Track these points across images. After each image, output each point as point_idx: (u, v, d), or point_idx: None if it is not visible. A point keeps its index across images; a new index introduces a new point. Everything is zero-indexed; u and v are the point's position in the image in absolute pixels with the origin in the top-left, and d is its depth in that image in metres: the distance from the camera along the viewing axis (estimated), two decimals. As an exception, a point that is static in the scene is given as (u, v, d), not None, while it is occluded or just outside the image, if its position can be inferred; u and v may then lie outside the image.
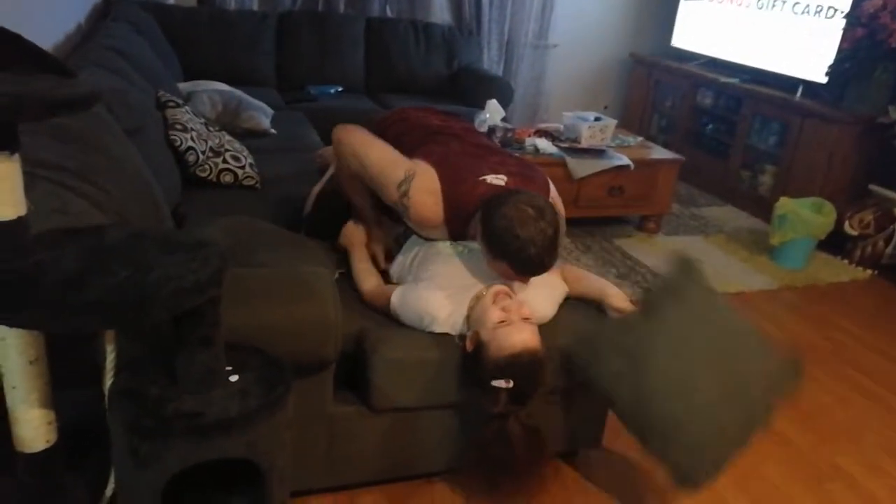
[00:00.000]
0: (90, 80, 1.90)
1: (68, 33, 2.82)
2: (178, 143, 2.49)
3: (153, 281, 1.07)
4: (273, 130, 3.35)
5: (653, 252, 3.72)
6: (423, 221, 1.89)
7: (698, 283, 1.85)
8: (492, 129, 3.61)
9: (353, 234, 2.07)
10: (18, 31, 1.15)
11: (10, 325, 1.07)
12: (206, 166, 2.56)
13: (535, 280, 1.84)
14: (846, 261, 3.85)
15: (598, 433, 2.11)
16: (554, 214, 1.73)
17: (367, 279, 1.96)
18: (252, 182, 2.65)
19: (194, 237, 1.23)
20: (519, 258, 1.70)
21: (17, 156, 1.09)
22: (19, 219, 1.13)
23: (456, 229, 1.91)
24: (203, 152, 2.56)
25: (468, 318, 1.77)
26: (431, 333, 1.79)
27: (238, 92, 3.40)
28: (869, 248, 3.78)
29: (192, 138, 2.53)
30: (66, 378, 1.27)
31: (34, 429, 1.22)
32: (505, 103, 4.09)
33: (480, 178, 1.89)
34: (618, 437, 2.25)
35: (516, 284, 1.81)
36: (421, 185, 1.86)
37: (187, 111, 2.66)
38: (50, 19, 2.61)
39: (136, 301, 1.05)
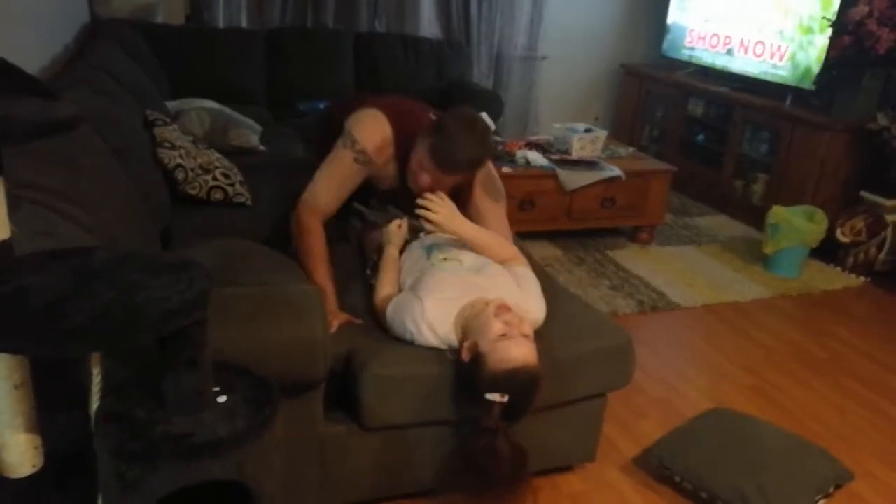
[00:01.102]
0: (75, 103, 1.89)
1: (55, 55, 2.81)
2: (167, 160, 2.48)
3: (140, 303, 1.06)
4: (262, 147, 3.35)
5: (646, 263, 3.72)
6: (372, 143, 2.06)
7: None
8: (483, 143, 3.61)
9: (395, 235, 2.12)
10: (5, 55, 1.15)
11: (-7, 350, 1.06)
12: (196, 183, 2.55)
13: (527, 287, 1.91)
14: (839, 268, 3.85)
15: (593, 448, 2.09)
16: (486, 128, 2.04)
17: (384, 287, 1.98)
18: (242, 199, 2.64)
19: (180, 258, 1.22)
20: (442, 148, 1.95)
21: (0, 178, 1.09)
22: (2, 242, 1.12)
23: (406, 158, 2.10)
24: (192, 170, 2.54)
25: (462, 328, 1.76)
26: (421, 348, 1.78)
27: (226, 109, 3.40)
28: (862, 255, 3.78)
29: (180, 156, 2.52)
30: (51, 401, 1.26)
31: (20, 454, 1.21)
32: (495, 116, 4.09)
33: (428, 114, 2.13)
34: (612, 450, 2.24)
35: (512, 297, 1.82)
36: (362, 118, 2.09)
37: (175, 129, 2.65)
38: (38, 42, 2.61)
39: (123, 324, 1.04)
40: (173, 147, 2.52)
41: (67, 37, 3.13)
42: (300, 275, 1.67)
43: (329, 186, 2.08)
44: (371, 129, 2.06)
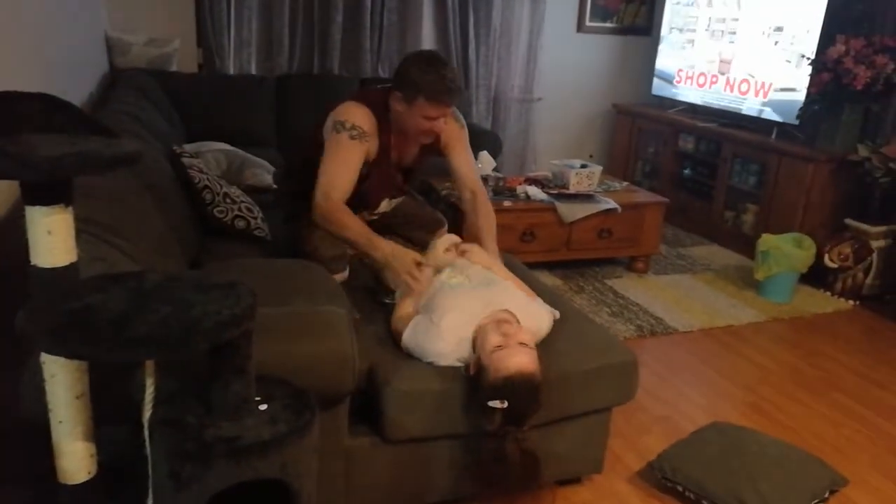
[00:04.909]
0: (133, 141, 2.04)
1: (82, 101, 2.98)
2: (196, 180, 2.62)
3: (194, 315, 1.19)
4: (275, 186, 3.50)
5: (643, 291, 3.86)
6: (359, 118, 2.22)
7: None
8: (484, 179, 3.78)
9: (440, 258, 2.22)
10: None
11: (70, 356, 1.18)
12: (223, 208, 2.68)
13: (529, 309, 2.04)
14: (829, 293, 4.00)
15: (600, 460, 2.20)
16: (447, 60, 2.25)
17: (403, 305, 2.10)
18: (262, 234, 2.78)
19: (225, 279, 1.36)
20: (428, 82, 2.14)
21: (70, 208, 1.23)
22: (71, 264, 1.26)
23: (387, 131, 2.31)
24: (218, 194, 2.69)
25: (473, 346, 1.89)
26: (440, 365, 1.90)
27: (240, 151, 3.56)
28: (850, 280, 3.93)
29: (208, 179, 2.68)
30: (102, 415, 1.37)
31: (78, 461, 1.33)
32: (495, 154, 4.27)
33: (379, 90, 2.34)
34: (618, 464, 2.35)
35: (521, 304, 1.94)
36: (340, 109, 2.25)
37: (201, 162, 2.81)
38: (67, 88, 2.77)
39: (181, 333, 1.16)
40: (201, 171, 2.67)
41: (91, 85, 3.31)
42: (330, 294, 1.78)
43: (337, 172, 2.21)
44: (352, 109, 2.25)
